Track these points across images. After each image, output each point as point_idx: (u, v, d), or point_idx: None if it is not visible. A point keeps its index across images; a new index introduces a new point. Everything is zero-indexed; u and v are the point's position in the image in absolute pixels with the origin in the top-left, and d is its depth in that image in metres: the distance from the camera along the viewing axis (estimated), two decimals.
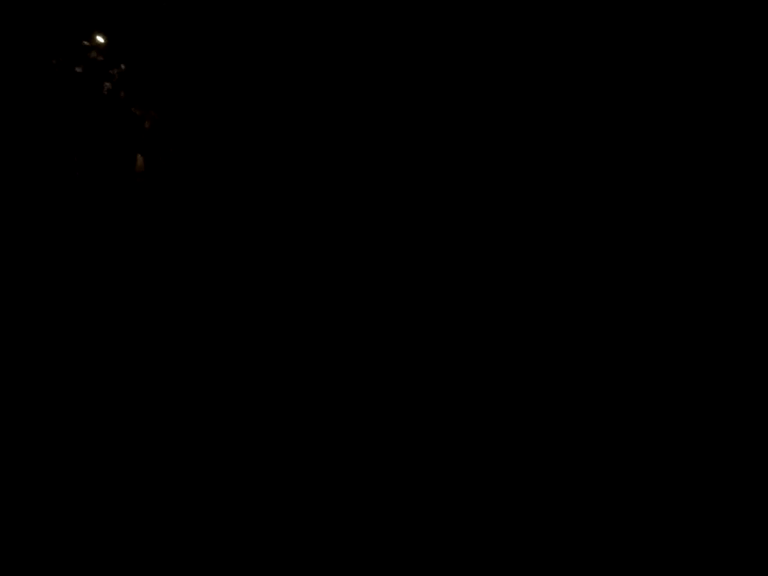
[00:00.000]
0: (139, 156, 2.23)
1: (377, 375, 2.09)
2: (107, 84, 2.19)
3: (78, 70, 2.23)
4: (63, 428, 1.99)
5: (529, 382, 2.04)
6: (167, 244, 2.21)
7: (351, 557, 1.82)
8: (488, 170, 2.18)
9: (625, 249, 2.09)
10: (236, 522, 1.87)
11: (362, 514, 1.88)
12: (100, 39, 2.20)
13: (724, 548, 1.76)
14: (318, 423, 2.04)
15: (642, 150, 2.09)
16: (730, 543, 1.76)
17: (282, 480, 1.95)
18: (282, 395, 2.08)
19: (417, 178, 2.21)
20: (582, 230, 2.12)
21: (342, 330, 2.15)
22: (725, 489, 1.83)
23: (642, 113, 2.09)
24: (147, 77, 2.26)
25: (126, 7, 2.25)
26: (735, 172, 2.02)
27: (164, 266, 2.20)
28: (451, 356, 2.10)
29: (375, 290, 2.17)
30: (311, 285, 2.19)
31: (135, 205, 2.23)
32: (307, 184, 2.24)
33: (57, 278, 2.15)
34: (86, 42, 2.20)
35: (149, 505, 1.88)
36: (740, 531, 1.77)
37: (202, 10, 2.24)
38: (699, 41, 2.03)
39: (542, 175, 2.15)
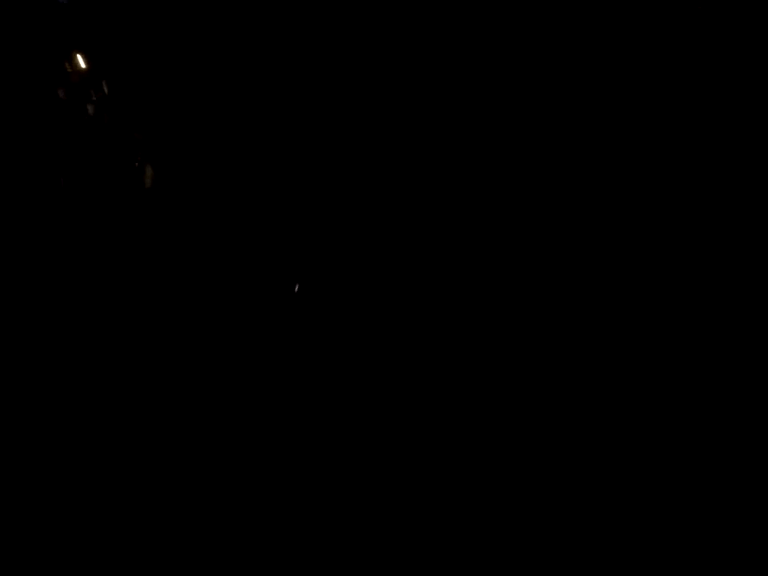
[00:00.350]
0: (147, 170, 2.22)
1: (376, 375, 2.09)
2: (90, 107, 2.19)
3: (61, 94, 2.23)
4: (63, 428, 1.99)
5: (529, 381, 2.05)
6: (158, 268, 2.21)
7: (351, 557, 1.82)
8: (488, 169, 2.18)
9: (625, 248, 2.09)
10: (236, 522, 1.87)
11: (361, 513, 1.88)
12: (81, 62, 2.20)
13: (724, 548, 1.76)
14: (318, 423, 2.04)
15: (642, 150, 2.10)
16: (730, 543, 1.77)
17: (282, 480, 1.94)
18: (282, 395, 2.08)
19: (417, 178, 2.21)
20: (582, 229, 2.12)
21: (343, 330, 2.15)
22: (725, 489, 1.83)
23: (642, 113, 2.09)
24: (131, 98, 2.25)
25: (106, 28, 2.25)
26: (735, 172, 2.01)
27: (156, 287, 2.20)
28: (451, 355, 2.10)
29: (376, 290, 2.17)
30: (312, 291, 2.19)
31: (125, 228, 2.23)
32: (303, 196, 2.24)
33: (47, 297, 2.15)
34: (67, 65, 2.20)
35: (149, 504, 1.88)
36: (740, 531, 1.78)
37: (184, 26, 2.24)
38: (699, 41, 2.03)
39: (543, 175, 2.15)
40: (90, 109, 2.19)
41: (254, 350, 2.15)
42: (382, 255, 2.19)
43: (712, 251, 2.02)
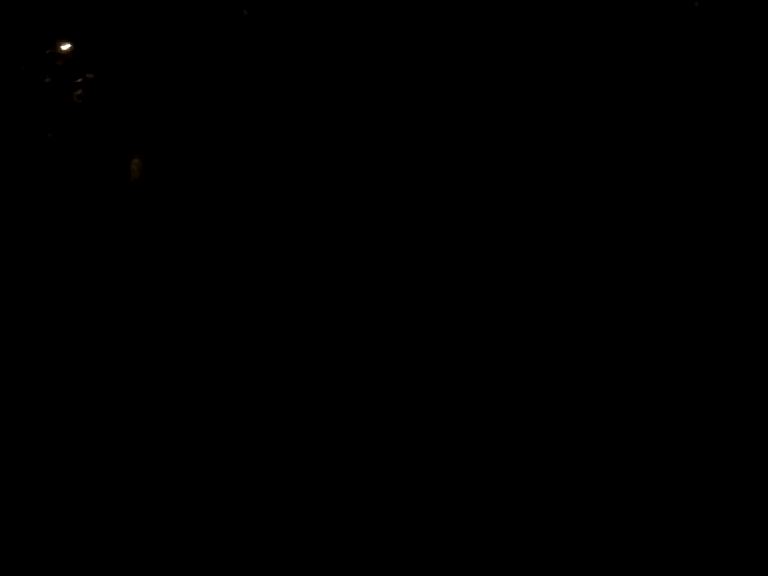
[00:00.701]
0: (135, 163, 2.18)
1: (376, 375, 2.08)
2: (75, 94, 2.13)
3: (47, 80, 2.18)
4: (63, 428, 2.00)
5: (528, 381, 2.03)
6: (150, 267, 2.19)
7: (351, 557, 1.83)
8: (488, 169, 2.14)
9: (625, 248, 2.05)
10: (236, 522, 1.89)
11: (361, 513, 1.89)
12: (65, 47, 2.14)
13: (724, 548, 1.75)
14: (318, 423, 2.04)
15: (642, 150, 2.04)
16: (730, 543, 1.75)
17: (282, 480, 1.95)
18: (281, 395, 2.08)
19: (416, 177, 2.17)
20: (582, 229, 2.08)
21: (342, 330, 2.14)
22: (725, 489, 1.81)
23: (642, 113, 2.03)
24: (118, 83, 2.20)
25: (91, 13, 2.18)
26: (735, 172, 1.96)
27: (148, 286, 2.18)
28: (451, 355, 2.08)
29: (375, 290, 2.15)
30: (311, 288, 2.17)
31: (117, 222, 2.20)
32: (303, 189, 2.20)
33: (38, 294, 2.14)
34: (50, 51, 2.14)
35: (149, 505, 1.90)
36: (740, 531, 1.76)
37: (173, 9, 2.17)
38: (699, 41, 1.96)
39: (542, 175, 2.11)
40: (76, 95, 2.14)
41: (250, 346, 2.13)
42: (381, 253, 2.16)
43: (712, 250, 1.98)
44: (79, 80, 2.14)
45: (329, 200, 2.19)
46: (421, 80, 2.15)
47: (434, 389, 2.06)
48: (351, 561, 1.83)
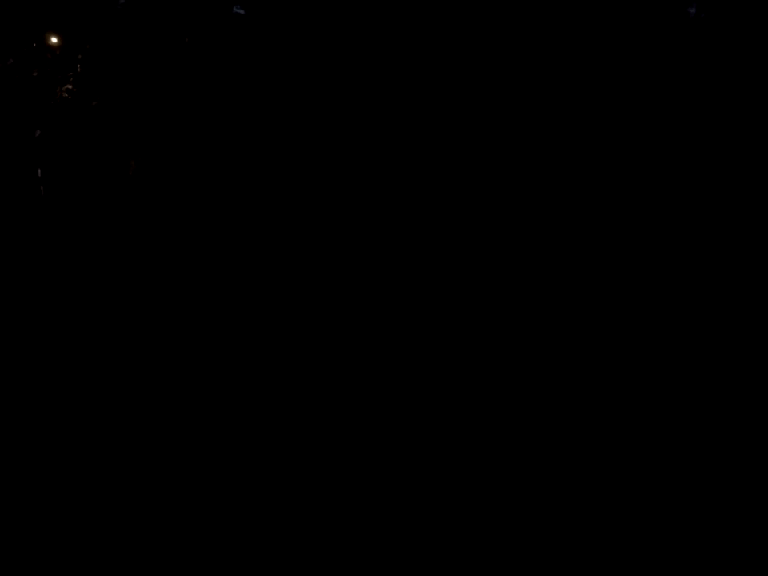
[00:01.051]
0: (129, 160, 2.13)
1: (376, 375, 2.08)
2: (63, 88, 2.08)
3: (34, 74, 2.12)
4: (63, 428, 1.98)
5: (528, 381, 2.04)
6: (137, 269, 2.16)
7: (351, 557, 1.84)
8: (488, 169, 2.13)
9: (625, 248, 2.06)
10: (236, 522, 1.88)
11: (361, 513, 1.89)
12: (54, 40, 2.08)
13: (724, 548, 1.77)
14: (318, 422, 2.03)
15: (642, 150, 2.04)
16: (730, 543, 1.78)
17: (282, 479, 1.95)
18: (281, 394, 2.07)
19: (416, 177, 2.16)
20: (582, 229, 2.08)
21: (341, 329, 2.13)
22: (725, 489, 1.84)
23: (642, 113, 2.03)
24: (108, 77, 2.15)
25: (82, 6, 2.12)
26: (735, 172, 1.97)
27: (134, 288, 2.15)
28: (451, 355, 2.08)
29: (374, 290, 2.14)
30: (308, 287, 2.16)
31: (106, 221, 2.16)
32: (299, 187, 2.18)
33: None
34: (35, 45, 2.08)
35: (149, 504, 1.89)
36: (740, 531, 1.78)
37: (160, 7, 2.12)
38: (699, 41, 1.95)
39: (542, 175, 2.10)
40: (64, 89, 2.08)
41: (247, 344, 2.12)
42: (380, 252, 2.15)
43: (712, 250, 1.99)
44: (69, 74, 2.09)
45: (322, 180, 2.17)
46: (419, 77, 2.13)
47: (433, 386, 2.06)
48: (350, 559, 1.84)
